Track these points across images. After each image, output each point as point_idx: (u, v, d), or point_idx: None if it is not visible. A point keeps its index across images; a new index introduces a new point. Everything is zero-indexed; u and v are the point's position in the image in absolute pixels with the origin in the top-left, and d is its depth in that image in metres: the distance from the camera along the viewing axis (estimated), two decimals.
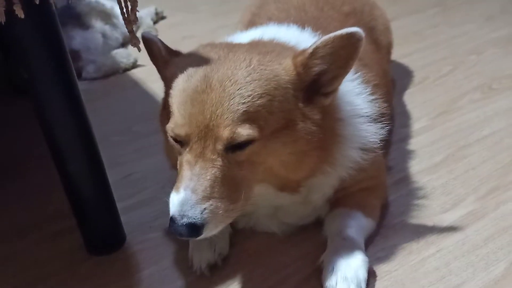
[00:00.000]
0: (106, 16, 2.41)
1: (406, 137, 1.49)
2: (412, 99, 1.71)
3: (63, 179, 1.07)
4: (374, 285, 1.00)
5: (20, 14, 0.79)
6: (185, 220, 0.86)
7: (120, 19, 2.52)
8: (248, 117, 0.88)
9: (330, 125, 0.98)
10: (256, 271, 1.08)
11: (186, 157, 0.91)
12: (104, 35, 2.30)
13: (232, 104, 0.88)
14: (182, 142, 0.92)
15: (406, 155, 1.41)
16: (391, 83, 1.64)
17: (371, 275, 1.02)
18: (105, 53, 2.22)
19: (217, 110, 0.88)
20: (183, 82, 0.93)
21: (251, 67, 0.91)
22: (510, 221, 1.12)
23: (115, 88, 2.07)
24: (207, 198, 0.88)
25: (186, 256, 1.11)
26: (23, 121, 1.72)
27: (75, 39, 2.15)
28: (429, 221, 1.15)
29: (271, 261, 1.09)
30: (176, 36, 2.46)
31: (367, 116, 1.06)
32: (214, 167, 0.89)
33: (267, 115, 0.90)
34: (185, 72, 0.95)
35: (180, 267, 1.11)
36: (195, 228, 0.87)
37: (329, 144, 0.99)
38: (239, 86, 0.89)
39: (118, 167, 1.47)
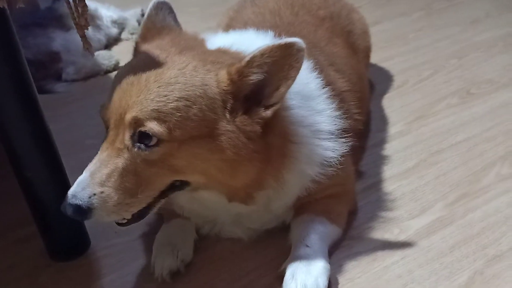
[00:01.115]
0: (89, 17, 2.39)
1: (381, 142, 1.48)
2: (390, 103, 1.70)
3: (22, 186, 1.06)
4: None
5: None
6: (73, 200, 0.88)
7: (104, 21, 2.51)
8: (158, 116, 0.88)
9: (278, 145, 0.97)
10: (219, 277, 1.06)
11: (103, 143, 0.92)
12: None
13: (145, 99, 0.88)
14: (106, 127, 0.94)
15: (379, 160, 1.39)
16: (368, 87, 1.63)
17: (333, 283, 1.01)
18: (85, 54, 2.20)
19: (131, 100, 0.89)
20: (124, 68, 0.96)
21: (182, 70, 0.91)
22: (477, 229, 1.11)
23: (95, 90, 2.05)
24: (100, 184, 0.88)
25: (149, 263, 1.09)
26: None
27: (56, 40, 2.14)
28: (395, 228, 1.14)
29: (234, 267, 1.08)
30: None
31: (328, 132, 1.05)
32: (119, 157, 0.90)
33: (182, 120, 0.89)
34: (133, 59, 0.98)
35: (143, 274, 1.09)
36: (80, 210, 0.88)
37: (276, 162, 0.98)
38: (159, 85, 0.89)
39: None
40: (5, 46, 0.94)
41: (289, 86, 0.93)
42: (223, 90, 0.91)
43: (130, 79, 0.91)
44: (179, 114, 0.88)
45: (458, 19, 2.35)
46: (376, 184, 1.30)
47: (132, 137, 0.89)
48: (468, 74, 1.84)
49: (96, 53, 2.26)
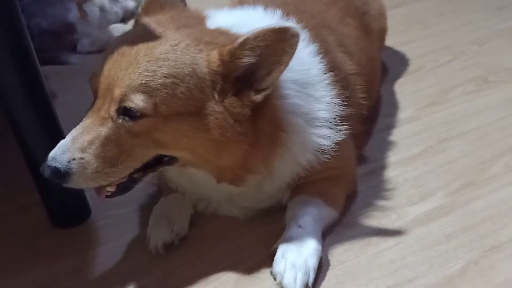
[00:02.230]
0: None
1: (388, 127, 1.45)
2: (402, 88, 1.66)
3: (24, 154, 1.07)
4: (325, 275, 0.99)
5: None
6: (52, 163, 0.89)
7: None
8: (145, 90, 0.87)
9: (268, 132, 0.96)
10: (211, 253, 1.07)
11: (89, 109, 0.92)
12: (102, 9, 2.29)
13: (134, 73, 0.88)
14: (94, 95, 0.94)
15: (385, 145, 1.37)
16: (380, 71, 1.59)
17: (324, 264, 1.00)
18: (101, 27, 2.21)
19: (120, 72, 0.88)
20: (118, 38, 0.96)
21: (174, 47, 0.90)
22: (478, 219, 1.08)
23: None
24: (81, 150, 0.89)
25: (145, 234, 1.10)
26: None
27: (72, 11, 2.14)
28: (393, 214, 1.12)
29: (227, 244, 1.08)
30: None
31: (325, 119, 1.03)
32: (102, 125, 0.90)
33: (168, 97, 0.88)
34: (130, 31, 0.98)
35: (138, 245, 1.11)
36: (58, 173, 0.88)
37: (266, 149, 0.97)
38: (149, 59, 0.89)
39: None
40: (6, 16, 0.95)
41: (281, 71, 0.91)
42: (213, 70, 0.90)
43: (122, 50, 0.91)
44: (166, 90, 0.88)
45: (483, 4, 2.26)
46: (379, 169, 1.27)
47: (117, 110, 0.89)
48: (487, 61, 1.78)
49: (111, 26, 2.27)
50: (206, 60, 0.91)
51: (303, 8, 1.32)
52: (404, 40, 2.00)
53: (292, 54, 0.89)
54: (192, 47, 0.91)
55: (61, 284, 1.03)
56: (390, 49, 1.92)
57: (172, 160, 0.98)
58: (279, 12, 1.15)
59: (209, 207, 1.15)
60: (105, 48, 2.25)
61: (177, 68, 0.89)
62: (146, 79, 0.88)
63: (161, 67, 0.88)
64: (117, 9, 2.44)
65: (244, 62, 0.90)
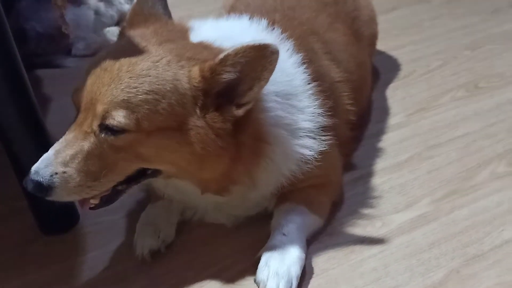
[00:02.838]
0: None
1: (377, 133, 1.46)
2: (393, 93, 1.67)
3: (11, 161, 1.08)
4: (308, 283, 0.99)
5: None
6: (34, 177, 0.90)
7: None
8: (127, 106, 0.89)
9: (250, 145, 0.97)
10: (197, 260, 1.08)
11: (72, 124, 0.94)
12: (97, 12, 2.30)
13: (116, 89, 0.89)
14: (76, 109, 0.95)
15: (373, 152, 1.37)
16: (370, 76, 1.59)
17: (308, 272, 1.01)
18: (96, 30, 2.22)
19: (103, 87, 0.89)
20: (101, 53, 0.96)
21: (155, 63, 0.91)
22: (461, 227, 1.09)
23: None
24: (64, 164, 0.90)
25: (133, 241, 1.11)
26: None
27: (67, 15, 2.16)
28: (378, 221, 1.13)
29: (213, 251, 1.10)
30: (173, 16, 2.44)
31: (307, 130, 1.04)
32: (84, 140, 0.91)
33: (150, 113, 0.89)
34: (112, 45, 0.98)
35: (125, 252, 1.12)
36: (41, 187, 0.90)
37: (248, 161, 0.98)
38: (130, 75, 0.90)
39: None
40: None
41: (262, 87, 0.93)
42: (194, 86, 0.91)
43: (105, 64, 0.92)
44: (148, 107, 0.89)
45: (479, 8, 2.25)
46: (366, 176, 1.28)
47: (100, 125, 0.90)
48: (479, 67, 1.78)
49: (106, 29, 2.28)
50: (187, 76, 0.92)
51: (292, 15, 1.33)
52: (397, 45, 2.00)
53: (272, 70, 0.91)
54: (173, 63, 0.92)
55: None
56: (382, 53, 1.92)
57: (155, 173, 0.99)
58: (264, 22, 1.16)
59: (196, 215, 1.16)
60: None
61: (158, 85, 0.90)
62: (128, 95, 0.89)
63: (142, 83, 0.89)
64: (112, 12, 2.45)
65: (224, 78, 0.91)
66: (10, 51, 0.99)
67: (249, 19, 1.18)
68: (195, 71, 0.92)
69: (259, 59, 0.89)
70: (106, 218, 1.22)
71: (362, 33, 1.57)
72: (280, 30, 1.14)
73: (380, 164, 1.32)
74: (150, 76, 0.90)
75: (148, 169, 0.98)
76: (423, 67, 1.81)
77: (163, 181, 1.04)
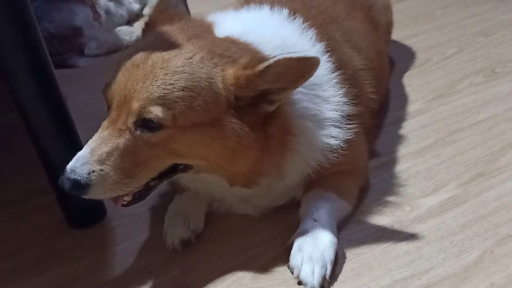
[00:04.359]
0: None
1: (398, 120, 1.45)
2: (410, 81, 1.66)
3: (39, 155, 1.09)
4: (342, 267, 0.99)
5: None
6: (71, 175, 0.89)
7: None
8: (163, 103, 0.89)
9: (278, 137, 0.98)
10: (228, 249, 1.08)
11: (104, 121, 0.93)
12: (108, 12, 2.31)
13: (151, 85, 0.89)
14: (108, 106, 0.95)
15: (395, 138, 1.37)
16: (388, 65, 1.59)
17: (340, 257, 1.01)
18: (108, 29, 2.23)
19: (137, 84, 0.89)
20: (130, 49, 0.96)
21: (189, 60, 0.91)
22: (491, 209, 1.09)
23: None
24: (100, 162, 0.90)
25: (161, 232, 1.12)
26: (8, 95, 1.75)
27: (78, 15, 2.16)
28: (407, 205, 1.13)
29: (243, 240, 1.10)
30: None
31: (333, 119, 1.04)
32: (119, 137, 0.91)
33: (185, 109, 0.90)
34: (141, 41, 0.98)
35: (155, 243, 1.12)
36: (78, 186, 0.89)
37: (275, 153, 0.99)
38: (165, 72, 0.90)
39: None
40: (19, 17, 0.96)
41: (295, 89, 0.94)
42: (228, 88, 0.92)
43: (136, 61, 0.92)
44: (184, 103, 0.89)
45: None
46: (390, 162, 1.28)
47: (135, 122, 0.90)
48: (494, 52, 1.78)
49: (118, 29, 2.28)
50: (221, 76, 0.92)
51: (310, 3, 1.32)
52: (410, 34, 2.00)
53: (309, 78, 0.92)
54: (206, 60, 0.92)
55: (79, 284, 1.05)
56: (396, 42, 1.92)
57: (186, 168, 1.00)
58: (285, 12, 1.16)
59: (223, 206, 1.16)
60: (113, 51, 2.28)
61: (194, 82, 0.90)
62: (164, 92, 0.89)
63: (178, 80, 0.89)
64: (122, 12, 2.46)
65: (261, 88, 0.92)
66: (40, 49, 1.00)
67: (270, 9, 1.18)
68: (230, 74, 0.92)
69: (299, 68, 0.90)
70: (132, 211, 1.22)
71: (379, 21, 1.57)
72: (301, 20, 1.14)
73: (403, 150, 1.32)
74: (185, 73, 0.90)
75: (179, 164, 0.99)
76: (438, 55, 1.81)
77: (191, 175, 1.05)
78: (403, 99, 1.56)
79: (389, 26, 1.68)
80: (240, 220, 1.15)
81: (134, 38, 2.22)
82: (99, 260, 1.10)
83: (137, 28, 2.36)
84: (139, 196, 1.00)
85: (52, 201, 1.21)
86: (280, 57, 0.89)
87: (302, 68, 0.90)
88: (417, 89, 1.62)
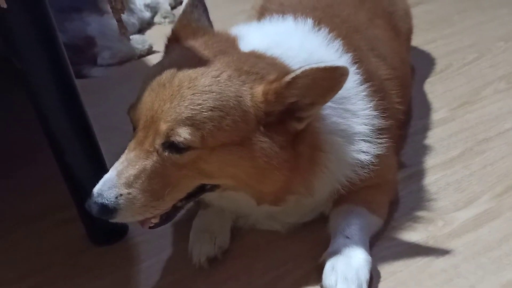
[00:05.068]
0: (124, 1, 2.39)
1: (422, 129, 1.42)
2: (432, 88, 1.63)
3: (62, 170, 1.07)
4: (377, 287, 0.96)
5: (2, 3, 0.78)
6: (99, 199, 0.87)
7: (137, 5, 2.51)
8: (192, 123, 0.86)
9: (308, 154, 0.95)
10: (256, 266, 1.05)
11: (130, 142, 0.91)
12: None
13: (179, 106, 0.87)
14: (134, 127, 0.93)
15: (421, 148, 1.34)
16: (410, 72, 1.56)
17: (375, 276, 0.98)
18: (120, 39, 2.21)
19: (164, 105, 0.87)
20: (155, 68, 0.94)
21: (217, 78, 0.89)
22: None
23: (131, 75, 2.06)
24: (128, 185, 0.87)
25: (186, 249, 1.09)
26: (31, 109, 1.73)
27: (91, 25, 2.15)
28: (439, 220, 1.09)
29: (271, 256, 1.07)
30: None
31: (363, 134, 1.01)
32: (147, 159, 0.89)
33: (214, 129, 0.87)
34: (165, 59, 0.96)
35: (180, 259, 1.09)
36: (106, 210, 0.87)
37: (305, 170, 0.96)
38: (193, 92, 0.87)
39: None
40: (42, 30, 0.94)
41: (325, 103, 0.91)
42: (257, 106, 0.89)
43: (162, 80, 0.89)
44: (212, 123, 0.87)
45: (505, 0, 2.22)
46: (418, 173, 1.25)
47: (163, 143, 0.88)
48: None
49: (130, 38, 2.26)
50: (250, 93, 0.90)
51: (332, 12, 1.30)
52: (428, 39, 1.97)
53: (338, 90, 0.89)
54: (234, 78, 0.90)
55: None
56: (414, 48, 1.89)
57: (214, 187, 0.97)
58: (309, 22, 1.13)
59: (248, 222, 1.13)
60: (126, 60, 2.26)
61: (222, 101, 0.88)
62: (192, 112, 0.86)
63: (206, 100, 0.87)
64: (134, 20, 2.44)
65: (289, 101, 0.89)
66: (63, 62, 0.98)
67: (294, 20, 1.15)
68: (258, 91, 0.89)
69: (328, 80, 0.87)
70: None
71: (400, 28, 1.54)
72: (326, 30, 1.11)
73: (430, 161, 1.29)
74: (213, 92, 0.88)
75: (207, 184, 0.96)
76: (458, 61, 1.77)
77: (217, 193, 1.02)
78: (426, 107, 1.53)
79: (409, 32, 1.65)
80: (266, 236, 1.12)
81: (146, 47, 2.21)
82: (123, 278, 1.08)
83: (149, 36, 2.34)
84: (166, 218, 0.97)
85: (74, 216, 1.19)
86: (307, 67, 0.87)
87: (331, 79, 0.87)
88: (440, 96, 1.58)
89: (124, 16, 2.39)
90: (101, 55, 2.15)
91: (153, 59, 2.13)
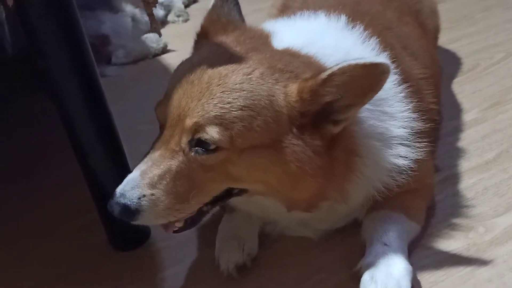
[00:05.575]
0: None
1: (454, 131, 1.37)
2: (461, 88, 1.58)
3: (85, 173, 1.02)
4: None
5: (9, 2, 0.74)
6: (121, 200, 0.83)
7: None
8: (220, 122, 0.82)
9: (343, 159, 0.90)
10: (287, 275, 1.00)
11: (155, 141, 0.87)
12: (134, 19, 2.25)
13: (208, 103, 0.82)
14: (160, 125, 0.89)
15: (454, 151, 1.28)
16: (440, 71, 1.51)
17: (415, 286, 0.92)
18: (135, 37, 2.17)
19: (192, 102, 0.83)
20: (184, 64, 0.90)
21: (248, 76, 0.84)
22: None
23: (145, 74, 2.02)
24: (151, 186, 0.83)
25: (212, 255, 1.04)
26: (50, 112, 1.68)
27: (105, 23, 2.11)
28: (480, 226, 1.04)
29: (303, 264, 1.02)
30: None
31: (402, 138, 0.95)
32: (172, 159, 0.84)
33: (244, 130, 0.82)
34: (194, 55, 0.92)
35: (206, 267, 1.04)
36: (128, 211, 0.83)
37: (339, 176, 0.91)
38: (223, 89, 0.83)
39: None
40: (68, 28, 0.90)
41: (364, 105, 0.85)
42: (291, 105, 0.84)
43: (191, 78, 0.85)
44: (242, 123, 0.82)
45: None
46: (453, 177, 1.19)
47: (190, 141, 0.83)
48: None
49: (144, 36, 2.22)
50: (283, 92, 0.84)
51: (361, 9, 1.24)
52: (452, 38, 1.91)
53: (378, 90, 0.83)
54: (267, 76, 0.85)
55: None
56: (439, 47, 1.83)
57: (241, 192, 0.92)
58: (343, 19, 1.08)
59: (277, 228, 1.08)
60: (140, 59, 2.21)
61: (253, 100, 0.83)
62: (221, 111, 0.82)
63: (237, 98, 0.82)
64: (147, 19, 2.39)
65: (325, 100, 0.84)
66: (89, 63, 0.94)
67: (326, 16, 1.10)
68: (293, 90, 0.84)
69: (367, 78, 0.81)
70: None
71: (427, 26, 1.48)
72: (362, 27, 1.06)
73: (465, 164, 1.23)
74: (244, 90, 0.83)
75: (234, 188, 0.92)
76: (486, 60, 1.72)
77: (244, 198, 0.97)
78: (456, 108, 1.48)
79: (436, 31, 1.60)
80: (297, 243, 1.06)
81: (161, 45, 2.16)
82: (148, 286, 1.03)
83: (163, 35, 2.29)
84: (191, 222, 0.93)
85: (93, 221, 1.14)
86: (344, 63, 0.82)
87: (370, 77, 0.82)
88: (469, 96, 1.53)
89: (138, 14, 2.37)
90: (115, 53, 2.10)
91: (168, 58, 2.09)
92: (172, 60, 2.05)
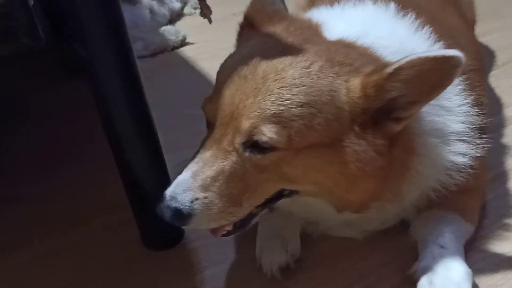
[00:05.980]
0: None
1: (497, 127, 1.31)
2: (498, 82, 1.52)
3: (121, 169, 0.97)
4: None
5: None
6: (172, 203, 0.79)
7: None
8: (278, 121, 0.76)
9: (401, 158, 0.85)
10: (335, 277, 0.95)
11: (206, 140, 0.82)
12: (151, 11, 2.20)
13: (265, 100, 0.77)
14: (209, 122, 0.84)
15: (500, 148, 1.23)
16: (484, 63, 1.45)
17: None
18: (153, 30, 2.11)
19: (247, 99, 0.77)
20: (234, 58, 0.85)
21: (307, 70, 0.78)
22: None
23: (164, 67, 1.96)
24: (204, 188, 0.79)
25: (252, 256, 0.99)
26: (79, 104, 1.62)
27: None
28: None
29: (351, 266, 0.97)
30: (227, 12, 2.30)
31: (461, 133, 0.90)
32: (225, 159, 0.79)
33: (303, 128, 0.77)
34: (243, 48, 0.86)
35: (247, 269, 0.99)
36: (180, 215, 0.79)
37: (396, 176, 0.86)
38: (281, 85, 0.77)
39: (172, 153, 1.35)
40: (111, 15, 0.85)
41: (429, 101, 0.80)
42: (353, 101, 0.79)
43: (243, 72, 0.79)
44: (302, 121, 0.77)
45: None
46: (502, 175, 1.14)
47: (244, 142, 0.78)
48: None
49: (162, 29, 2.16)
50: (345, 87, 0.79)
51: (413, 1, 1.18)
52: (482, 31, 1.83)
53: (448, 86, 0.78)
54: (327, 70, 0.79)
55: None
56: None
57: (292, 193, 0.88)
58: (392, 6, 1.02)
59: (319, 229, 1.03)
60: (159, 52, 2.15)
61: (314, 96, 0.78)
62: (280, 108, 0.76)
63: (296, 94, 0.77)
64: (164, 11, 2.33)
65: (391, 96, 0.79)
66: (131, 62, 0.92)
67: (373, 4, 1.04)
68: (356, 85, 0.79)
69: (437, 73, 0.76)
70: None
71: (466, 17, 1.43)
72: (413, 16, 1.00)
73: None
74: (304, 85, 0.77)
75: (285, 189, 0.87)
76: None
77: (292, 199, 0.92)
78: (496, 103, 1.42)
79: (473, 23, 1.54)
80: (342, 243, 1.01)
81: (180, 38, 2.10)
82: (187, 287, 0.97)
83: (180, 27, 2.23)
84: (240, 225, 0.88)
85: (125, 219, 1.09)
86: (413, 56, 0.76)
87: (440, 71, 0.76)
88: (508, 91, 1.47)
89: (156, 7, 2.31)
90: (134, 46, 2.03)
91: (187, 51, 2.03)
92: (191, 53, 1.99)
